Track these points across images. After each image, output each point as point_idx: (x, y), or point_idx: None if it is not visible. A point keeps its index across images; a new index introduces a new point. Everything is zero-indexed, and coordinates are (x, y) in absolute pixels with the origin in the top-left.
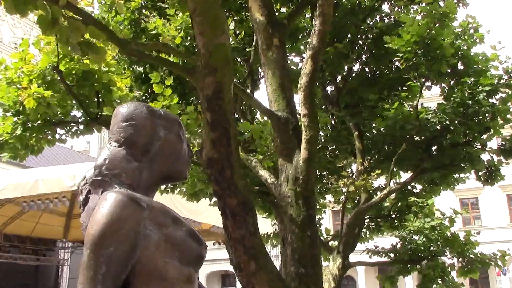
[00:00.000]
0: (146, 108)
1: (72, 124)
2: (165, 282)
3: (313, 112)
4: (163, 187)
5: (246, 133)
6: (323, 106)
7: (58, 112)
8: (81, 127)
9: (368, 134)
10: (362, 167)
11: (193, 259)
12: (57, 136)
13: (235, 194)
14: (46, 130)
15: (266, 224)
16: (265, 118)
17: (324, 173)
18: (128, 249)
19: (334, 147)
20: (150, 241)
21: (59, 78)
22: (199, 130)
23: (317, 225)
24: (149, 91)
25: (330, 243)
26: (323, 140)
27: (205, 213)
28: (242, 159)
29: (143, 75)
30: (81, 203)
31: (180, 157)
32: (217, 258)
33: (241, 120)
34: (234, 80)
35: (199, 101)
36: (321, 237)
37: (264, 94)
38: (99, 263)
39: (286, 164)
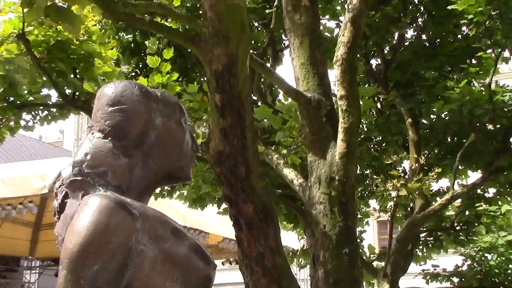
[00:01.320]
0: (138, 88)
1: (41, 107)
2: None
3: (353, 92)
4: (158, 190)
5: (265, 120)
6: (366, 85)
7: (25, 92)
8: (54, 111)
9: (425, 122)
10: (417, 164)
11: (199, 282)
12: (22, 122)
13: (252, 198)
14: (7, 115)
15: (291, 239)
16: (290, 100)
17: (368, 172)
18: (116, 269)
19: (380, 138)
20: (145, 259)
21: (25, 49)
22: (205, 117)
23: (358, 240)
24: (141, 66)
25: (374, 263)
26: (366, 129)
27: (212, 222)
28: (260, 154)
29: (132, 44)
30: (55, 210)
31: (183, 151)
32: (228, 281)
33: (259, 104)
34: (251, 51)
35: (205, 79)
36: (363, 256)
37: (289, 69)
38: (79, 287)
39: (317, 161)
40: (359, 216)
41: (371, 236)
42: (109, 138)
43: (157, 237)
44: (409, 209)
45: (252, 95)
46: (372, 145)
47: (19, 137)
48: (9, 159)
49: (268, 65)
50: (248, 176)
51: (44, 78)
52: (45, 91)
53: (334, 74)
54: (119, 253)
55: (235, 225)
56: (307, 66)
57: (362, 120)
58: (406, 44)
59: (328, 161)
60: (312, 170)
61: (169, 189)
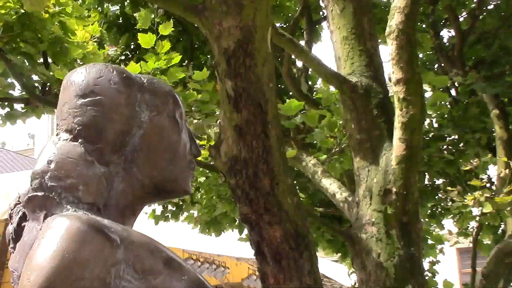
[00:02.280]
0: (117, 73)
1: (2, 102)
2: None
3: (413, 75)
4: (159, 210)
5: (297, 118)
6: (435, 66)
7: None
8: (18, 108)
9: None
10: (507, 170)
11: None
12: None
13: (279, 220)
14: None
15: (338, 271)
16: (331, 88)
17: (439, 181)
18: None
19: (456, 137)
20: None
21: None
22: (218, 112)
23: (430, 275)
24: (133, 46)
25: None
26: (435, 125)
27: (233, 252)
28: (292, 160)
29: (120, 18)
30: (10, 237)
31: (177, 156)
32: None
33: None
34: (276, 24)
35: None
36: None
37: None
38: None
39: (367, 167)
40: (429, 241)
41: (448, 269)
42: (80, 141)
43: (144, 270)
44: (499, 231)
45: (274, 82)
46: (445, 146)
47: None
48: None
49: (302, 42)
50: (274, 190)
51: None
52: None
53: (387, 52)
54: None
55: (257, 256)
56: (350, 41)
57: (430, 113)
58: (489, 8)
59: (382, 167)
60: (360, 180)
61: (174, 209)
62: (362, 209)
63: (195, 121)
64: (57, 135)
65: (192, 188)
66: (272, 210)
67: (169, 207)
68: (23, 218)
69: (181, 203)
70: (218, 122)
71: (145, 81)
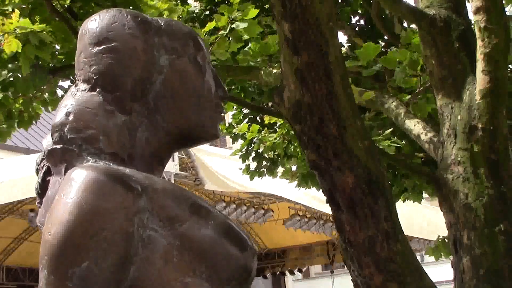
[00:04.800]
0: (131, 17)
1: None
2: None
3: (495, 2)
4: (253, 166)
5: (377, 66)
6: None
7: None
8: None
9: None
10: None
11: (233, 276)
12: (59, 92)
13: (350, 165)
14: (38, 84)
15: (436, 215)
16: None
17: None
18: (114, 265)
19: None
20: (155, 250)
21: None
22: None
23: None
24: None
25: None
26: None
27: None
28: (371, 103)
29: None
30: (36, 192)
31: (202, 100)
32: None
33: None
34: None
35: None
36: None
37: None
38: None
39: (450, 104)
40: None
41: None
42: (98, 90)
43: (169, 218)
44: None
45: (335, 22)
46: None
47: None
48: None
49: None
50: (341, 135)
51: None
52: None
53: None
54: (116, 244)
55: (330, 203)
56: None
57: None
58: None
59: (466, 103)
60: (444, 119)
61: (268, 165)
62: (446, 149)
63: (274, 71)
64: (75, 86)
65: (220, 132)
66: (342, 156)
67: (264, 162)
68: (48, 172)
69: (275, 157)
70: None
71: (162, 24)
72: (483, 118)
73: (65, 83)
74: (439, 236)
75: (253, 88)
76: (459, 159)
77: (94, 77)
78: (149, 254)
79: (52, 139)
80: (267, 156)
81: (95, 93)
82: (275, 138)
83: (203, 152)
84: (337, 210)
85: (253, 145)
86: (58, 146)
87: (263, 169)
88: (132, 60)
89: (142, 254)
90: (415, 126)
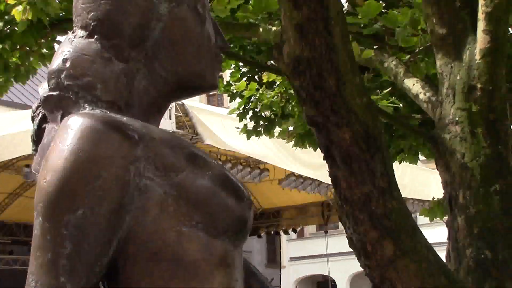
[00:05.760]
0: None
1: None
2: (181, 267)
3: None
4: (251, 126)
5: (377, 24)
6: None
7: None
8: None
9: None
10: None
11: (229, 226)
12: (56, 47)
13: (347, 121)
14: (35, 38)
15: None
16: None
17: None
18: (110, 213)
19: None
20: (151, 198)
21: None
22: None
23: None
24: None
25: None
26: None
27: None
28: (370, 61)
29: None
30: (32, 138)
31: (202, 49)
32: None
33: None
34: None
35: None
36: None
37: None
38: (60, 238)
39: (450, 64)
40: None
41: None
42: (95, 37)
43: (166, 167)
44: None
45: None
46: None
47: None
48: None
49: None
50: (340, 90)
51: None
52: None
53: None
54: (112, 192)
55: (327, 159)
56: None
57: None
58: None
59: (466, 62)
60: (443, 78)
61: (266, 124)
62: (445, 108)
63: (274, 28)
64: (73, 32)
65: (218, 83)
66: (340, 112)
67: (261, 121)
68: (43, 119)
69: (273, 117)
70: None
71: None
72: (482, 78)
73: (63, 38)
74: (433, 197)
75: (251, 46)
76: (457, 118)
77: (92, 24)
78: (144, 202)
79: (49, 85)
80: (264, 115)
81: (93, 40)
82: (273, 97)
83: (200, 110)
84: (333, 166)
85: (250, 103)
86: (55, 93)
87: (260, 128)
88: (131, 6)
89: (137, 203)
90: (413, 85)
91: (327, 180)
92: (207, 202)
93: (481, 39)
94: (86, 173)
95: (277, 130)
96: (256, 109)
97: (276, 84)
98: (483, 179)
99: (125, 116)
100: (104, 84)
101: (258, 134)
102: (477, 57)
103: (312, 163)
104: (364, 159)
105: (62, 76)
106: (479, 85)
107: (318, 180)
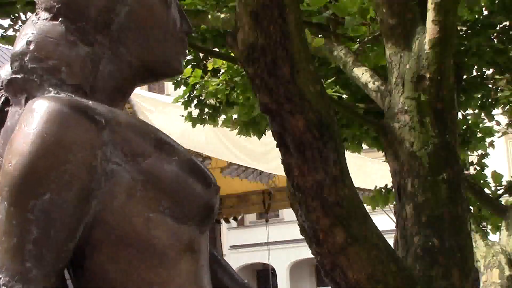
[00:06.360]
0: None
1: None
2: (148, 253)
3: None
4: (196, 113)
5: (327, 12)
6: None
7: None
8: None
9: None
10: None
11: (196, 212)
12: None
13: (301, 109)
14: None
15: (383, 170)
16: None
17: (488, 71)
18: (76, 198)
19: (508, 23)
20: (118, 183)
21: None
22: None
23: (479, 168)
24: None
25: (502, 199)
26: (485, 12)
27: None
28: (320, 50)
29: None
30: None
31: (167, 34)
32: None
33: None
34: None
35: None
36: (485, 188)
37: None
38: (27, 223)
39: (399, 53)
40: (478, 134)
41: (499, 162)
42: (60, 19)
43: (133, 152)
44: None
45: None
46: (494, 35)
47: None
48: None
49: None
50: (294, 78)
51: None
52: None
53: None
54: (78, 176)
55: (280, 147)
56: None
57: None
58: None
59: (415, 52)
60: (393, 68)
61: (211, 112)
62: (394, 98)
63: (223, 15)
64: (36, 14)
65: (183, 67)
66: (294, 99)
67: (206, 109)
68: (6, 103)
69: (217, 104)
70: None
71: None
72: (431, 68)
73: (5, 22)
74: (376, 186)
75: (196, 34)
76: (406, 108)
77: (57, 6)
78: (112, 187)
79: (12, 68)
80: (209, 103)
81: (57, 22)
82: (218, 84)
83: (143, 98)
84: (287, 154)
85: (195, 91)
86: (19, 76)
87: (205, 116)
88: None
89: (104, 188)
90: (363, 74)
91: (269, 169)
92: (174, 187)
93: (430, 29)
94: (53, 157)
95: (222, 118)
96: (201, 97)
97: (221, 72)
98: (431, 168)
99: (90, 101)
100: (69, 67)
101: (203, 122)
102: (426, 47)
103: (255, 152)
104: (317, 147)
105: (26, 58)
106: (427, 75)
107: (259, 169)
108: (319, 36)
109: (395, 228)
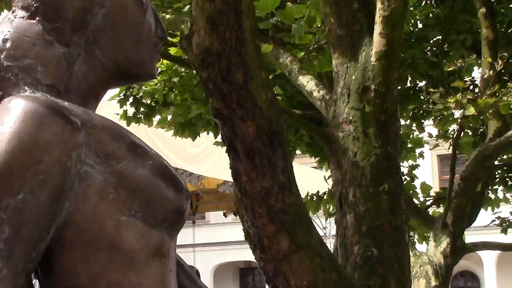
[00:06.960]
0: None
1: None
2: (118, 255)
3: None
4: (131, 112)
5: (276, 18)
6: None
7: None
8: None
9: (504, 12)
10: (491, 71)
11: (166, 217)
12: None
13: (252, 115)
14: None
15: (315, 177)
16: None
17: (422, 84)
18: (49, 198)
19: (441, 37)
20: (91, 185)
21: None
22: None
23: (408, 179)
24: None
25: (430, 210)
26: (418, 24)
27: (211, 159)
28: (267, 56)
29: None
30: None
31: (142, 38)
32: (234, 240)
33: None
34: None
35: None
36: (414, 199)
37: None
38: None
39: (346, 64)
40: (409, 145)
41: (426, 173)
42: (37, 19)
43: (107, 154)
44: (479, 134)
45: None
46: (427, 48)
47: None
48: None
49: None
50: (247, 84)
51: None
52: None
53: None
54: (53, 177)
55: (229, 152)
56: None
57: (416, 13)
58: None
59: (361, 63)
60: (339, 78)
61: (146, 112)
62: (339, 107)
63: (168, 16)
64: (12, 12)
65: (156, 71)
66: (246, 105)
67: (141, 108)
68: None
69: (153, 104)
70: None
71: None
72: (376, 80)
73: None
74: (308, 192)
75: None
76: (350, 118)
77: (34, 5)
78: (84, 189)
79: None
80: (145, 102)
81: (35, 21)
82: (156, 84)
83: None
84: (236, 159)
85: (131, 89)
86: None
87: (140, 115)
88: None
89: (77, 189)
90: (308, 82)
91: (199, 170)
92: (146, 191)
93: (377, 41)
94: (28, 157)
95: (157, 118)
96: (137, 96)
97: (159, 72)
98: (373, 178)
99: (65, 102)
100: (45, 67)
101: (138, 121)
102: (372, 59)
103: (186, 154)
104: (266, 154)
105: (2, 56)
106: (373, 86)
107: (189, 171)
108: (267, 43)
109: (323, 235)
